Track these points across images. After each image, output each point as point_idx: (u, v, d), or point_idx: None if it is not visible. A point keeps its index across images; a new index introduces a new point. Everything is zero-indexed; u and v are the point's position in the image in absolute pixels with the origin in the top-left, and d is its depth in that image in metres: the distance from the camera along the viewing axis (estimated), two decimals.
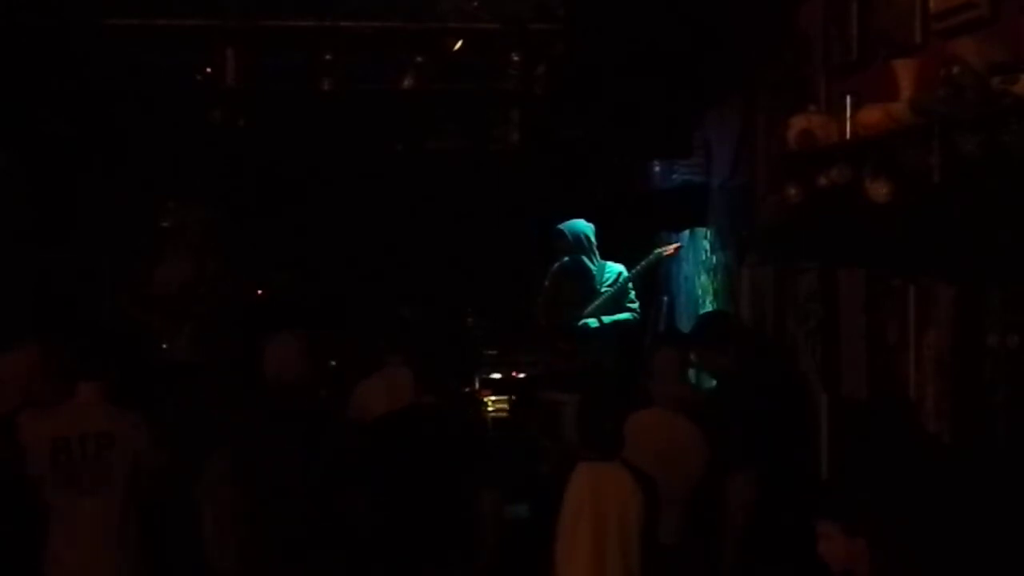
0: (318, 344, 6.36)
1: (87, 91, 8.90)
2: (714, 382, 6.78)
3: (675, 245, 9.28)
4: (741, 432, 5.77)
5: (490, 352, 9.41)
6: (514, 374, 9.06)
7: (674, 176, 9.20)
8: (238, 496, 5.93)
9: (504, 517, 6.06)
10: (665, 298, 9.77)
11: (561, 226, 9.07)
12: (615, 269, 9.10)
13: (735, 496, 5.68)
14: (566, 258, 9.09)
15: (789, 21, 6.41)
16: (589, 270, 9.04)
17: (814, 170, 5.16)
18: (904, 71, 4.55)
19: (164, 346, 8.43)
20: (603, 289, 9.01)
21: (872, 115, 4.66)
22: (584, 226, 9.07)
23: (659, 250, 9.28)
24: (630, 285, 9.08)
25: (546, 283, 9.21)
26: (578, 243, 8.99)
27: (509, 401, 8.43)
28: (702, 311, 8.51)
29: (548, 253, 9.32)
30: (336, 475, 5.82)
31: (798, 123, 5.40)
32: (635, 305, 9.12)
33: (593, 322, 8.91)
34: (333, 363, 7.60)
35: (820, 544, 4.19)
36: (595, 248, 9.06)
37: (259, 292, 9.83)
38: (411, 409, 5.85)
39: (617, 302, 9.03)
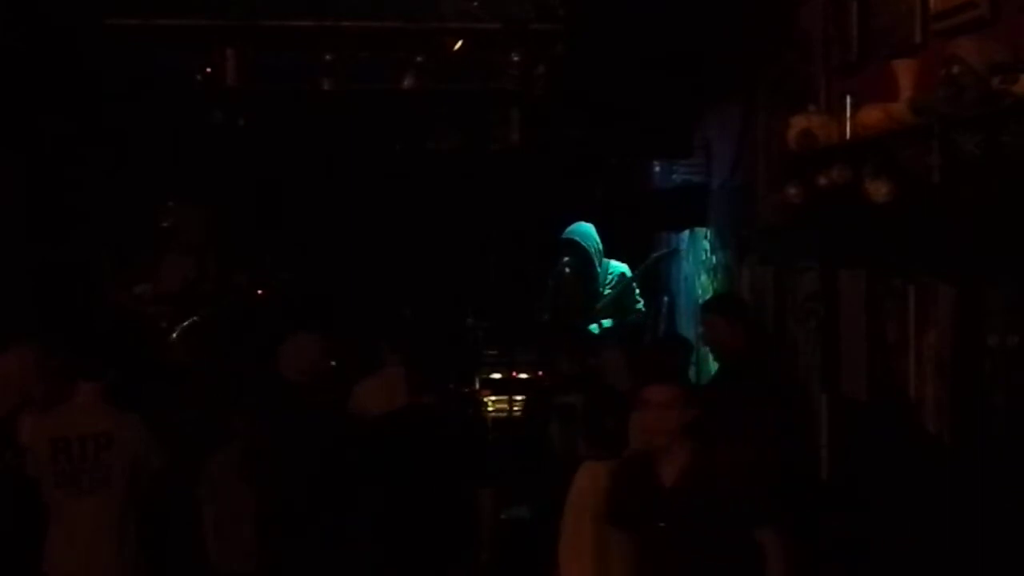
0: (335, 344, 6.48)
1: (87, 90, 8.89)
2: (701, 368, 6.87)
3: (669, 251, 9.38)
4: (741, 411, 5.84)
5: (490, 352, 9.42)
6: (514, 374, 9.07)
7: (674, 176, 9.20)
8: (244, 492, 5.96)
9: (503, 517, 6.08)
10: (665, 298, 9.79)
11: (572, 236, 9.11)
12: (617, 268, 9.14)
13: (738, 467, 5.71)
14: (567, 258, 9.11)
15: (789, 21, 6.41)
16: (594, 271, 9.07)
17: (814, 170, 5.16)
18: (904, 71, 4.54)
19: (165, 346, 8.44)
20: (606, 291, 9.04)
21: (872, 115, 4.65)
22: (592, 231, 9.12)
23: (655, 254, 9.34)
24: (634, 284, 9.12)
25: (550, 283, 9.23)
26: (587, 253, 9.06)
27: (524, 403, 8.42)
28: None
29: (548, 253, 9.33)
30: (344, 471, 5.86)
31: (798, 123, 5.40)
32: (639, 305, 9.15)
33: (594, 327, 8.94)
34: (333, 363, 7.59)
35: None
36: (601, 250, 9.14)
37: (259, 292, 9.84)
38: (409, 409, 5.85)
39: (621, 303, 9.06)
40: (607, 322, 9.03)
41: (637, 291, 9.17)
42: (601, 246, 9.15)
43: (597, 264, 9.12)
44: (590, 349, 7.21)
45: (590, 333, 8.78)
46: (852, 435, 5.51)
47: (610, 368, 6.68)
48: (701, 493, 4.64)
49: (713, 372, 7.14)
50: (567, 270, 9.17)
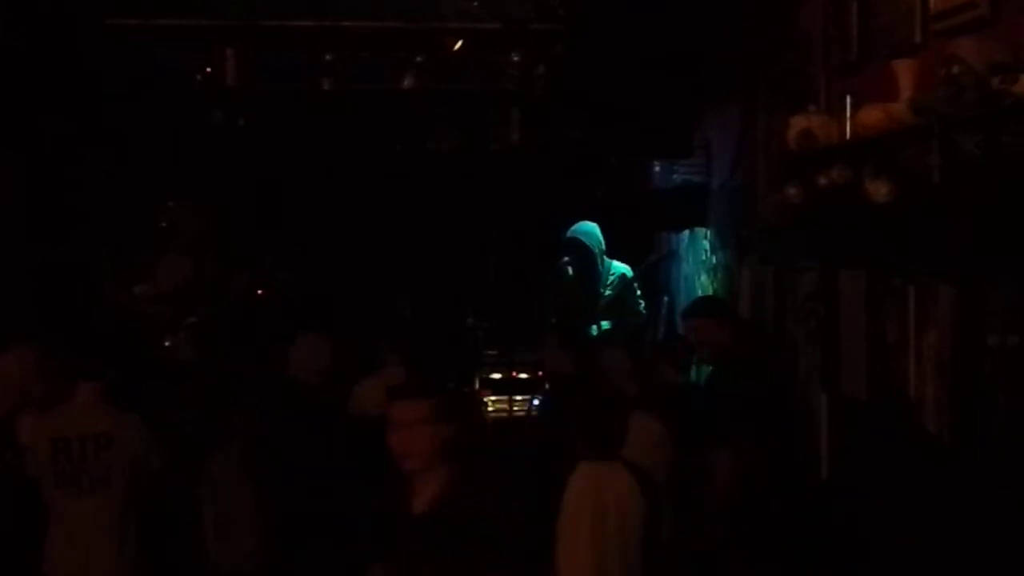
0: (335, 344, 6.50)
1: (87, 90, 8.89)
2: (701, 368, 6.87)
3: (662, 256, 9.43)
4: (730, 409, 5.87)
5: (490, 352, 9.42)
6: (514, 374, 9.07)
7: (674, 176, 9.21)
8: (244, 492, 5.96)
9: None
10: (665, 298, 9.79)
11: (576, 235, 9.11)
12: (619, 269, 9.14)
13: (720, 469, 5.76)
14: (567, 258, 9.12)
15: (789, 21, 6.41)
16: (596, 271, 9.08)
17: (814, 170, 5.16)
18: (904, 71, 4.54)
19: (165, 345, 8.44)
20: (606, 292, 9.04)
21: (872, 115, 4.65)
22: (596, 231, 9.11)
23: (650, 259, 9.37)
24: (636, 284, 9.13)
25: (551, 282, 9.24)
26: (590, 253, 9.07)
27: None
28: None
29: (549, 253, 9.34)
30: (344, 471, 5.86)
31: (798, 123, 5.40)
32: (641, 306, 9.16)
33: (593, 329, 8.95)
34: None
35: None
36: (604, 250, 9.16)
37: (259, 292, 9.84)
38: None
39: (622, 304, 9.06)
40: (606, 324, 9.04)
41: (639, 293, 9.18)
42: (604, 246, 9.16)
43: (599, 264, 9.12)
44: (590, 349, 7.21)
45: (589, 334, 8.79)
46: (852, 435, 5.51)
47: (612, 368, 6.68)
48: (443, 525, 4.29)
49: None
50: (569, 269, 9.17)
